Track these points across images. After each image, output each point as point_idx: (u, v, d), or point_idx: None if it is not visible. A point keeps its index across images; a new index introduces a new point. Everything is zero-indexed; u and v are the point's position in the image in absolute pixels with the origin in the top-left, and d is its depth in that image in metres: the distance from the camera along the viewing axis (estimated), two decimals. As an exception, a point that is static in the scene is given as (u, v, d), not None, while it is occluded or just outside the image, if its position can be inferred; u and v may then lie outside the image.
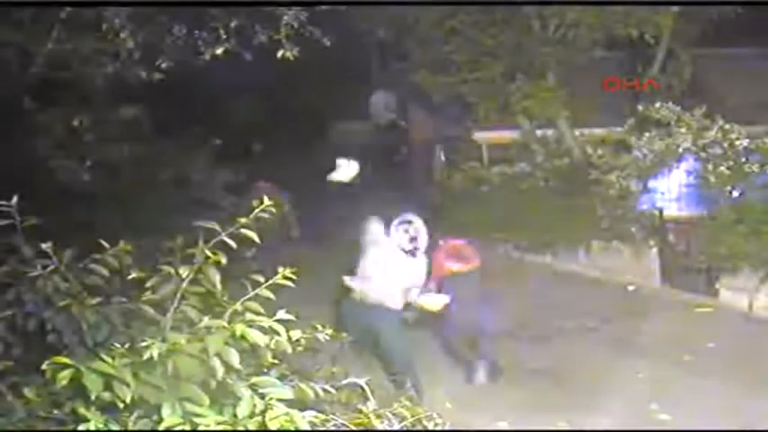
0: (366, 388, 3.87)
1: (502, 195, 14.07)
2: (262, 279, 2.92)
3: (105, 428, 2.53)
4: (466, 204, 14.34)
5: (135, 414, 2.59)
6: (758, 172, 10.28)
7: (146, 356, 2.53)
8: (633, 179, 12.16)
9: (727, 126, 10.72)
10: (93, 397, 2.47)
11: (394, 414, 3.46)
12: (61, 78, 7.36)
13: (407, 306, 6.56)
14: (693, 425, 6.16)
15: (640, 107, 12.12)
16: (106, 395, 2.49)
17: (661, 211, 11.75)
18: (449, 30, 13.55)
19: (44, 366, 2.56)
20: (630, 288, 11.44)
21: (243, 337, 2.64)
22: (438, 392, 6.19)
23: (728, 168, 10.39)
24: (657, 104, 11.44)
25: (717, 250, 10.17)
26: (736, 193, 10.36)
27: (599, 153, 13.01)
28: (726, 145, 10.63)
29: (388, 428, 3.36)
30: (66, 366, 2.48)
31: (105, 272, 3.18)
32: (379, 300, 6.41)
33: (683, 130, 11.13)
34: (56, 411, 2.80)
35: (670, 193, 12.41)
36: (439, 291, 6.72)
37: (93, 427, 2.50)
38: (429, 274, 6.76)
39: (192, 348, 2.60)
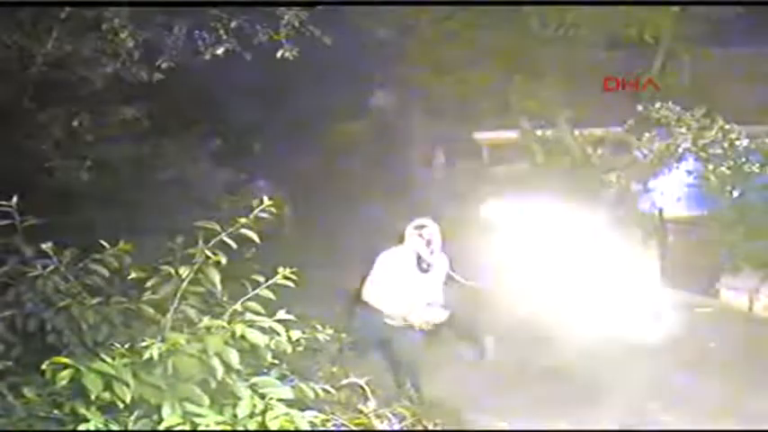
0: (366, 388, 3.87)
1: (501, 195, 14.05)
2: (262, 279, 2.92)
3: (105, 428, 2.53)
4: (465, 204, 14.33)
5: (135, 414, 2.59)
6: (758, 172, 10.27)
7: (146, 356, 2.53)
8: (633, 179, 12.16)
9: (727, 126, 10.71)
10: (93, 397, 2.47)
11: (394, 414, 3.47)
12: (61, 78, 7.35)
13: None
14: (693, 425, 6.16)
15: (640, 107, 12.11)
16: (106, 395, 2.49)
17: (661, 211, 11.74)
18: (449, 30, 13.54)
19: (44, 366, 2.56)
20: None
21: (243, 337, 2.64)
22: (438, 392, 6.20)
23: (728, 168, 10.38)
24: (657, 104, 11.43)
25: (717, 250, 10.16)
26: (736, 193, 10.35)
27: (599, 153, 13.02)
28: (726, 145, 10.62)
29: (388, 428, 3.36)
30: (66, 366, 2.48)
31: (105, 272, 3.19)
32: (399, 316, 6.10)
33: (683, 130, 11.13)
34: (56, 411, 2.80)
35: (670, 193, 12.42)
36: None
37: (93, 427, 2.50)
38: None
39: (191, 348, 2.61)
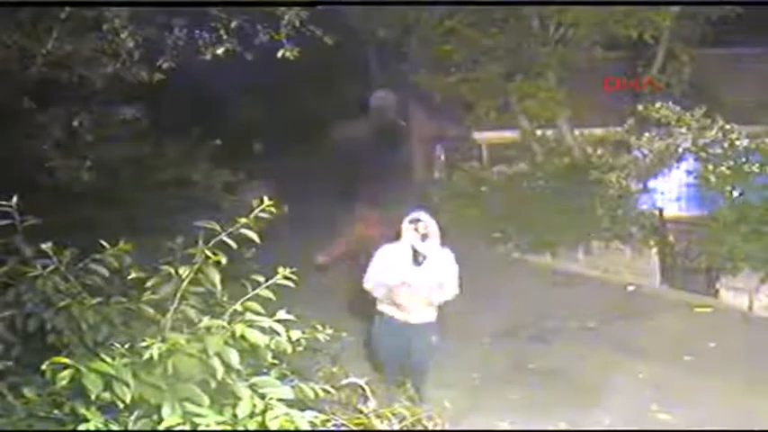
0: (366, 388, 3.87)
1: (502, 195, 14.08)
2: (262, 279, 2.92)
3: (105, 428, 2.53)
4: (466, 204, 14.35)
5: (135, 414, 2.59)
6: (758, 172, 10.27)
7: (146, 356, 2.53)
8: (633, 179, 12.17)
9: (727, 126, 10.71)
10: (93, 397, 2.47)
11: (394, 414, 3.47)
12: (61, 78, 7.35)
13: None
14: (693, 425, 6.16)
15: (640, 107, 12.12)
16: (106, 395, 2.49)
17: (661, 211, 11.75)
18: (449, 30, 13.55)
19: (44, 366, 2.56)
20: (630, 288, 11.45)
21: (243, 337, 2.64)
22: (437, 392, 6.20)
23: (728, 168, 10.38)
24: (657, 104, 11.43)
25: (717, 250, 10.16)
26: (736, 193, 10.35)
27: (599, 153, 13.03)
28: (726, 145, 10.62)
29: (388, 428, 3.36)
30: (66, 366, 2.48)
31: (105, 272, 3.19)
32: (409, 316, 6.13)
33: (683, 130, 11.13)
34: (56, 411, 2.80)
35: (670, 193, 12.43)
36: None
37: (93, 427, 2.50)
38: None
39: (191, 348, 2.60)
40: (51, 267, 3.11)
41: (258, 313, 2.77)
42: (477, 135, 16.00)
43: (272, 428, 2.46)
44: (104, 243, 3.23)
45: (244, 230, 2.95)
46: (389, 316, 6.20)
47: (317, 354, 4.56)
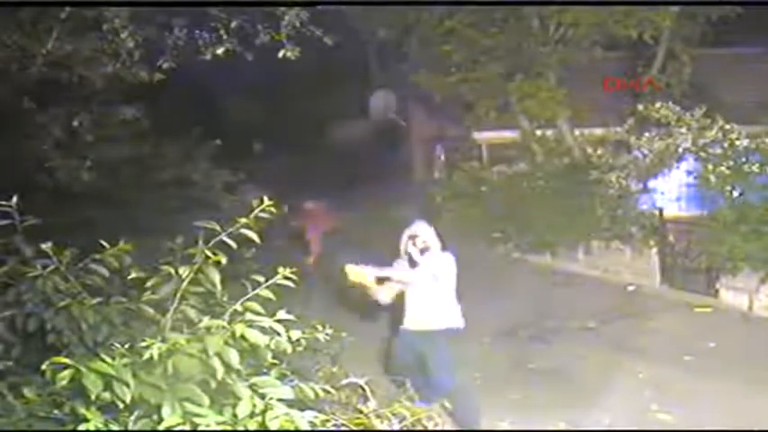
0: (366, 388, 3.87)
1: (502, 195, 14.08)
2: (262, 279, 2.92)
3: (105, 428, 2.53)
4: (466, 204, 14.36)
5: (135, 414, 2.59)
6: (758, 172, 10.27)
7: (146, 356, 2.53)
8: (633, 179, 12.17)
9: (727, 126, 10.71)
10: (93, 397, 2.47)
11: (394, 414, 3.47)
12: (61, 78, 7.36)
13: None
14: (693, 425, 6.16)
15: (640, 107, 12.12)
16: (106, 395, 2.49)
17: (661, 211, 11.75)
18: (449, 30, 13.55)
19: (44, 366, 2.56)
20: (630, 288, 11.45)
21: (243, 337, 2.64)
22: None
23: (728, 168, 10.38)
24: (657, 104, 11.43)
25: (717, 250, 10.16)
26: (736, 193, 10.35)
27: (599, 153, 13.03)
28: (726, 145, 10.62)
29: (388, 428, 3.36)
30: (66, 366, 2.48)
31: (105, 272, 3.19)
32: (420, 323, 6.03)
33: (683, 130, 11.13)
34: (56, 411, 2.80)
35: (670, 193, 12.42)
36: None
37: (93, 427, 2.50)
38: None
39: (192, 348, 2.60)
40: (51, 267, 3.11)
41: (258, 313, 2.77)
42: (477, 135, 16.00)
43: (272, 428, 2.46)
44: (104, 243, 3.23)
45: (244, 230, 2.95)
46: (404, 327, 6.13)
47: (317, 354, 4.56)
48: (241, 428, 2.50)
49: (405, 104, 20.54)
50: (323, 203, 13.00)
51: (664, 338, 8.81)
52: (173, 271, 2.94)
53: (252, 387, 2.59)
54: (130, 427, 2.57)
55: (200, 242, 2.91)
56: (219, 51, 6.87)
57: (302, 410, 2.58)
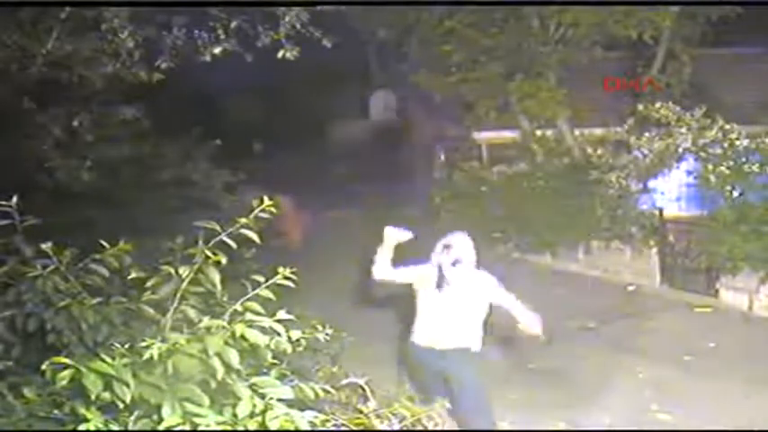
0: (366, 388, 3.87)
1: (502, 195, 14.08)
2: (262, 279, 2.92)
3: (105, 428, 2.52)
4: (466, 204, 14.35)
5: (135, 414, 2.59)
6: (758, 172, 10.27)
7: (146, 356, 2.53)
8: (633, 179, 12.17)
9: (727, 126, 10.71)
10: (93, 397, 2.47)
11: (394, 414, 3.47)
12: (61, 78, 7.35)
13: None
14: (693, 425, 6.16)
15: (640, 107, 12.12)
16: (106, 395, 2.49)
17: (661, 211, 11.75)
18: (449, 30, 13.55)
19: (44, 366, 2.56)
20: (630, 288, 11.45)
21: (243, 337, 2.64)
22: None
23: (728, 168, 10.38)
24: (657, 104, 11.44)
25: (717, 250, 10.16)
26: (736, 193, 10.35)
27: (599, 153, 13.03)
28: (726, 145, 10.62)
29: (388, 428, 3.36)
30: (66, 366, 2.48)
31: (105, 272, 3.19)
32: (447, 341, 5.68)
33: (683, 130, 11.13)
34: (56, 411, 2.80)
35: (670, 193, 12.42)
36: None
37: (93, 427, 2.50)
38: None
39: (192, 348, 2.60)
40: (51, 267, 3.11)
41: (258, 313, 2.77)
42: (477, 135, 16.00)
43: (272, 428, 2.46)
44: (104, 243, 3.23)
45: (244, 230, 2.95)
46: (417, 343, 5.79)
47: (317, 354, 4.57)
48: (241, 428, 2.50)
49: (405, 104, 20.54)
50: (292, 201, 12.76)
51: (664, 338, 8.81)
52: (173, 271, 2.94)
53: (252, 387, 2.59)
54: (130, 427, 2.57)
55: (200, 242, 2.91)
56: (218, 51, 6.87)
57: (302, 410, 2.58)
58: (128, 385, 2.50)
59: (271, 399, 2.51)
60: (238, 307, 2.80)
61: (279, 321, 2.74)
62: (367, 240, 6.16)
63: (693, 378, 7.36)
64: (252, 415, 2.50)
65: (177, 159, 10.01)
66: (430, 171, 18.54)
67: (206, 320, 2.75)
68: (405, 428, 3.41)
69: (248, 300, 2.82)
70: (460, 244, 5.81)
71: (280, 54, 6.75)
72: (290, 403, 2.56)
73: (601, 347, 8.45)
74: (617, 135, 13.18)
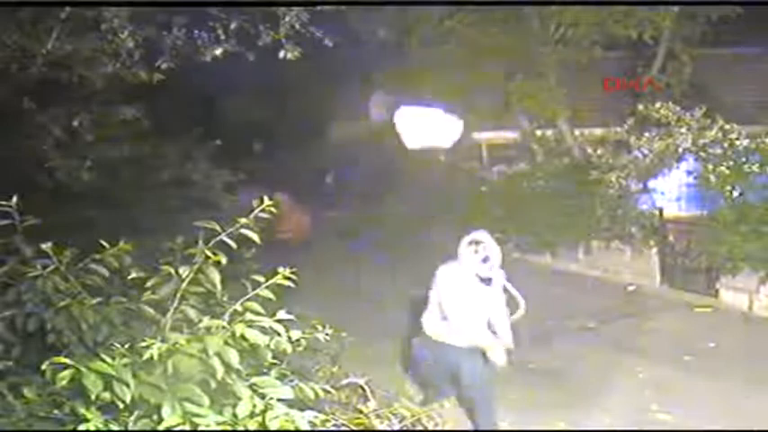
0: (366, 388, 3.88)
1: (502, 195, 14.08)
2: (262, 279, 2.92)
3: (105, 428, 2.53)
4: (466, 204, 14.35)
5: (135, 414, 2.59)
6: (758, 172, 10.27)
7: (146, 356, 2.53)
8: (633, 179, 12.17)
9: (727, 126, 10.72)
10: (93, 397, 2.47)
11: (394, 414, 3.47)
12: (61, 78, 7.35)
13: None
14: (693, 425, 6.16)
15: (640, 107, 12.12)
16: (106, 395, 2.49)
17: (661, 211, 11.75)
18: (449, 30, 13.55)
19: (44, 366, 2.56)
20: (630, 288, 11.45)
21: (243, 337, 2.64)
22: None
23: (728, 168, 10.38)
24: (657, 104, 11.44)
25: (717, 250, 10.16)
26: (736, 193, 10.35)
27: (599, 153, 13.03)
28: (726, 145, 10.62)
29: (388, 428, 3.36)
30: (66, 366, 2.48)
31: (105, 272, 3.19)
32: (462, 339, 5.72)
33: (683, 130, 11.13)
34: (56, 411, 2.80)
35: (670, 193, 12.43)
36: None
37: (93, 427, 2.50)
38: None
39: (192, 348, 2.61)
40: (51, 267, 3.11)
41: (258, 313, 2.77)
42: (477, 135, 16.00)
43: (272, 428, 2.46)
44: (104, 243, 3.23)
45: (244, 230, 2.95)
46: (434, 339, 5.84)
47: (317, 354, 4.56)
48: (241, 428, 2.51)
49: (404, 104, 20.51)
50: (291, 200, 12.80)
51: (664, 338, 8.80)
52: (173, 271, 2.94)
53: (252, 387, 2.59)
54: (130, 427, 2.57)
55: (201, 242, 2.91)
56: (219, 52, 6.86)
57: (302, 410, 2.58)
58: (128, 385, 2.50)
59: (271, 399, 2.52)
60: (238, 307, 2.80)
61: (279, 321, 2.75)
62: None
63: (693, 378, 7.36)
64: (252, 415, 2.50)
65: (177, 159, 10.00)
66: (429, 171, 18.52)
67: (206, 320, 2.75)
68: (405, 428, 3.41)
69: (248, 300, 2.82)
70: (487, 240, 5.88)
71: (280, 54, 6.75)
72: (290, 403, 2.56)
73: (601, 347, 8.45)
74: (617, 135, 13.18)
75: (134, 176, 9.19)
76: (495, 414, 5.83)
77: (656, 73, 14.05)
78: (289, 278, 2.95)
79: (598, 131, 13.98)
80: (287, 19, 6.60)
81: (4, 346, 3.16)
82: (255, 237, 2.96)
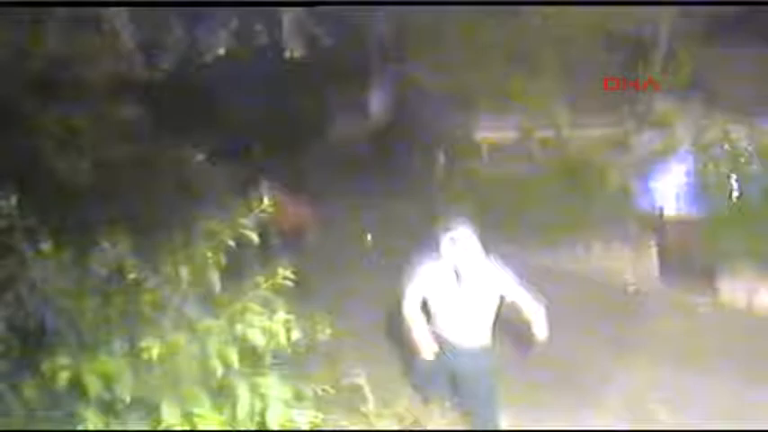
0: (366, 388, 3.88)
1: (501, 195, 14.06)
2: (262, 279, 2.92)
3: (105, 428, 2.53)
4: (465, 204, 14.33)
5: (135, 414, 2.59)
6: (758, 172, 10.27)
7: (146, 356, 2.53)
8: (633, 179, 12.16)
9: (727, 126, 10.72)
10: (93, 397, 2.47)
11: (394, 414, 3.47)
12: (61, 78, 7.35)
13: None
14: (693, 424, 6.16)
15: (640, 107, 12.12)
16: (106, 395, 2.49)
17: (661, 210, 11.75)
18: (449, 29, 13.55)
19: (44, 366, 2.56)
20: (630, 288, 11.44)
21: (243, 337, 2.64)
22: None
23: (728, 168, 10.38)
24: (657, 104, 11.44)
25: (717, 250, 10.16)
26: (736, 193, 10.35)
27: (599, 153, 13.01)
28: (726, 145, 10.62)
29: (388, 428, 3.37)
30: (66, 366, 2.48)
31: (105, 272, 3.19)
32: (454, 338, 5.68)
33: (682, 129, 11.13)
34: (56, 411, 2.80)
35: (670, 193, 12.42)
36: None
37: (93, 427, 2.50)
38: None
39: (191, 348, 2.61)
40: (51, 267, 3.11)
41: (258, 313, 2.77)
42: (477, 135, 15.99)
43: (272, 428, 2.46)
44: (104, 242, 3.23)
45: (243, 230, 2.96)
46: (433, 338, 5.69)
47: (317, 354, 4.56)
48: (241, 428, 2.51)
49: (404, 104, 20.52)
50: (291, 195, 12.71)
51: (664, 338, 8.80)
52: (173, 271, 2.94)
53: (252, 387, 2.59)
54: (130, 427, 2.57)
55: (200, 242, 2.91)
56: (219, 51, 6.88)
57: (302, 410, 2.58)
58: (128, 385, 2.50)
59: (271, 399, 2.52)
60: (238, 307, 2.80)
61: (279, 321, 2.75)
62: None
63: (693, 378, 7.36)
64: (252, 415, 2.50)
65: (177, 159, 10.01)
66: (430, 171, 18.53)
67: (206, 320, 2.75)
68: (405, 428, 3.41)
69: (248, 300, 2.82)
70: (466, 233, 5.76)
71: (281, 54, 6.76)
72: (290, 403, 2.56)
73: (601, 347, 8.44)
74: (617, 135, 13.17)
75: (134, 176, 9.20)
76: (495, 414, 5.83)
77: (656, 73, 14.05)
78: (288, 278, 2.95)
79: (598, 131, 13.98)
80: (287, 19, 6.61)
81: (4, 346, 3.16)
82: (255, 237, 2.96)
